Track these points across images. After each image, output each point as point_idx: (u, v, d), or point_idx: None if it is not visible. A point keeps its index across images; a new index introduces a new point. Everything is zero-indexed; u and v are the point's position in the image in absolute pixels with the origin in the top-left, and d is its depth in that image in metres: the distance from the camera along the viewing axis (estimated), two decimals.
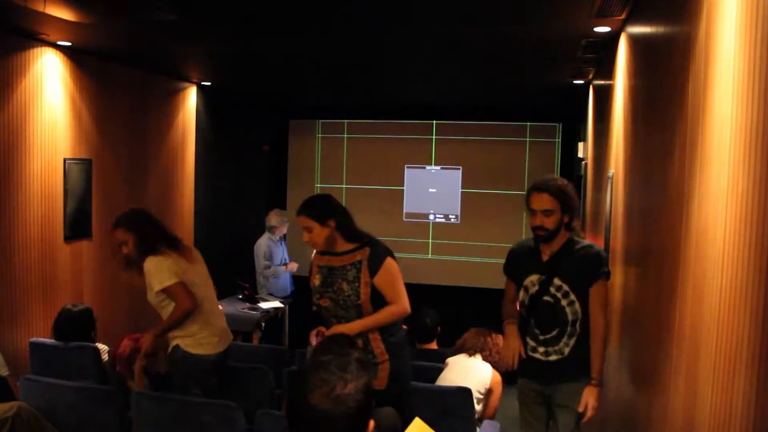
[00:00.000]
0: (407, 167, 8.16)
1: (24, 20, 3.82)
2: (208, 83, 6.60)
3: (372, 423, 1.34)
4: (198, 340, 3.44)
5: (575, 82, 5.64)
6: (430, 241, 8.15)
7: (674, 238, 1.92)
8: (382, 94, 7.58)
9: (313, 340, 3.18)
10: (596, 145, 4.93)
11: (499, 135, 7.85)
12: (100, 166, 5.06)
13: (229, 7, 3.65)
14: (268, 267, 6.36)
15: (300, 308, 6.24)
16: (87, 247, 4.96)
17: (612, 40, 3.81)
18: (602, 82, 4.67)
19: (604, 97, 4.36)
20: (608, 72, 4.15)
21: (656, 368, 2.13)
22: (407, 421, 2.42)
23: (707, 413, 1.47)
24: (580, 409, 2.83)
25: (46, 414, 3.25)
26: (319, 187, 8.33)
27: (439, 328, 4.54)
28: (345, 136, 8.33)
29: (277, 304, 6.13)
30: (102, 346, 4.04)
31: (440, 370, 3.88)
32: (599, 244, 3.79)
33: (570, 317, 2.86)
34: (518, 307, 3.06)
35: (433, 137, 8.08)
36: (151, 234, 3.44)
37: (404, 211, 8.18)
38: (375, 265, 3.06)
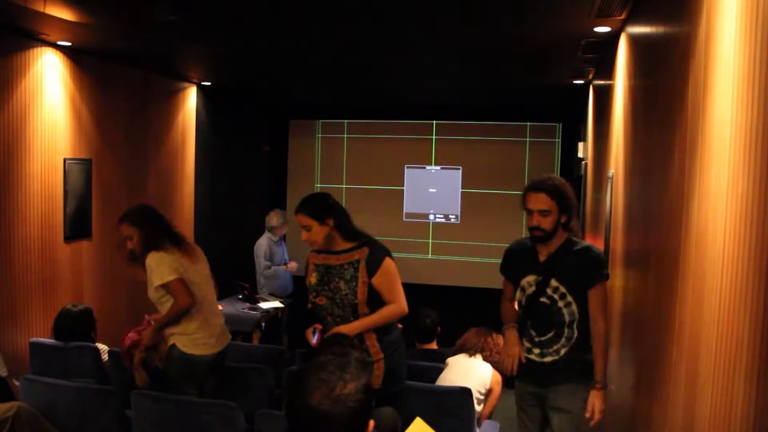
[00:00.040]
0: (407, 167, 8.16)
1: (24, 20, 3.82)
2: (208, 83, 6.60)
3: (372, 423, 1.34)
4: (194, 340, 3.44)
5: (575, 82, 5.64)
6: (430, 241, 8.15)
7: (674, 238, 1.92)
8: (382, 94, 7.58)
9: (311, 338, 3.18)
10: (596, 145, 4.93)
11: (499, 135, 7.86)
12: (100, 166, 5.06)
13: (229, 7, 3.65)
14: (269, 267, 6.36)
15: (300, 308, 6.24)
16: (87, 247, 4.96)
17: (612, 40, 3.81)
18: (602, 82, 4.67)
19: (604, 97, 4.36)
20: (608, 72, 4.15)
21: (656, 368, 2.13)
22: (405, 420, 2.42)
23: (707, 413, 1.47)
24: (588, 414, 2.80)
25: (46, 414, 3.25)
26: (319, 187, 8.33)
27: (439, 328, 4.54)
28: (345, 136, 8.33)
29: (277, 304, 6.13)
30: (102, 346, 4.04)
31: (440, 370, 3.88)
32: (599, 245, 3.79)
33: (567, 319, 2.83)
34: (516, 307, 3.05)
35: (433, 137, 8.08)
36: (156, 230, 3.45)
37: (404, 211, 8.18)
38: (373, 266, 3.06)
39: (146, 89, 5.75)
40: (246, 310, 5.82)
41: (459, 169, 8.03)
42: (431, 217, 8.14)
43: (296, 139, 8.48)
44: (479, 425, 3.64)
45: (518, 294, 2.96)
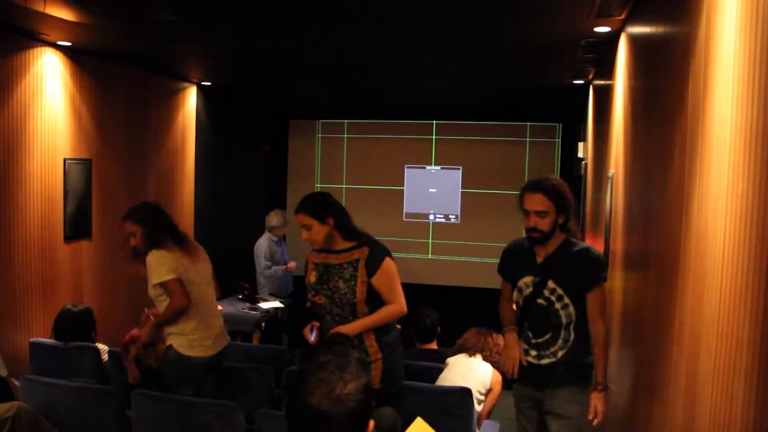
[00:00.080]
0: (407, 167, 8.16)
1: (24, 20, 3.82)
2: (208, 83, 6.60)
3: (372, 423, 1.34)
4: (191, 342, 3.44)
5: (575, 82, 5.64)
6: (430, 241, 8.15)
7: (674, 238, 1.92)
8: (382, 94, 7.58)
9: (309, 336, 3.19)
10: (596, 145, 4.93)
11: (499, 135, 7.86)
12: (100, 166, 5.06)
13: (229, 7, 3.65)
14: (269, 267, 6.36)
15: (300, 308, 6.24)
16: (87, 247, 4.96)
17: (612, 40, 3.81)
18: (602, 82, 4.67)
19: (604, 97, 4.36)
20: (608, 72, 4.15)
21: (656, 368, 2.13)
22: (405, 420, 2.42)
23: (707, 413, 1.47)
24: (590, 416, 2.79)
25: (46, 414, 3.25)
26: (319, 187, 8.34)
27: (439, 328, 4.53)
28: (345, 136, 8.33)
29: (277, 304, 6.13)
30: (102, 346, 4.04)
31: (440, 370, 3.88)
32: (599, 245, 3.79)
33: (564, 321, 2.79)
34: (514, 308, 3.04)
35: (433, 137, 8.08)
36: (159, 228, 3.46)
37: (404, 211, 8.19)
38: (373, 266, 3.06)
39: (146, 89, 5.75)
40: (246, 310, 5.82)
41: (459, 169, 8.03)
42: (431, 217, 8.14)
43: (296, 139, 8.48)
44: (479, 425, 3.64)
45: (515, 295, 2.92)
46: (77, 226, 4.80)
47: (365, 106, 8.20)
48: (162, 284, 3.36)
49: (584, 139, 5.96)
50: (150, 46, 4.80)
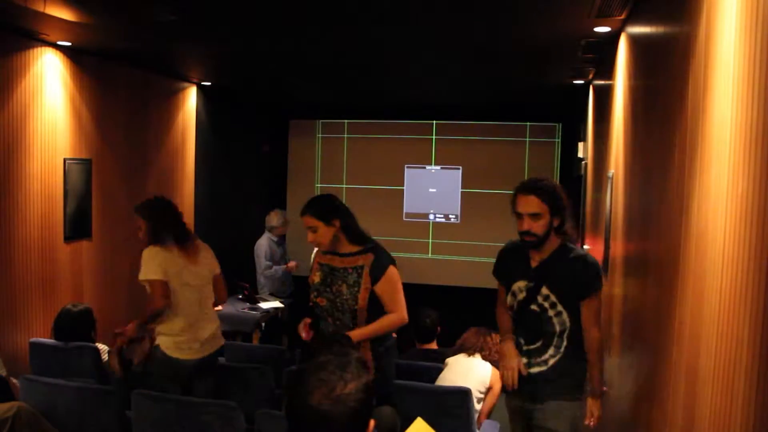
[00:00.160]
0: (407, 167, 8.17)
1: (24, 20, 3.82)
2: (208, 83, 6.61)
3: (372, 422, 1.34)
4: (178, 343, 3.44)
5: (575, 82, 5.64)
6: (430, 240, 8.15)
7: (674, 238, 1.92)
8: (382, 94, 7.58)
9: (303, 333, 3.19)
10: (596, 145, 4.93)
11: (499, 135, 7.86)
12: (100, 166, 5.06)
13: (229, 7, 3.65)
14: (270, 267, 6.36)
15: (300, 308, 6.24)
16: (87, 247, 4.96)
17: (612, 40, 3.81)
18: (602, 82, 4.67)
19: (604, 97, 4.36)
20: (608, 72, 4.15)
21: (656, 368, 2.13)
22: (405, 420, 2.42)
23: (707, 413, 1.47)
24: (586, 422, 2.76)
25: (46, 414, 3.25)
26: (319, 187, 8.34)
27: (439, 328, 4.54)
28: (345, 136, 8.33)
29: (277, 304, 6.13)
30: (102, 346, 4.04)
31: (440, 370, 3.88)
32: (599, 245, 3.79)
33: (557, 329, 2.71)
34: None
35: (433, 137, 8.08)
36: (162, 225, 3.46)
37: (404, 211, 8.19)
38: (377, 273, 3.07)
39: (146, 89, 5.75)
40: (246, 310, 5.82)
41: (459, 169, 8.03)
42: (431, 216, 8.14)
43: (296, 139, 8.48)
44: (479, 424, 3.64)
45: (509, 299, 2.83)
46: (77, 226, 4.80)
47: (365, 106, 8.20)
48: (146, 282, 3.38)
49: (584, 139, 5.96)
50: (150, 46, 4.80)
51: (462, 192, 8.03)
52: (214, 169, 6.98)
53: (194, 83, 6.51)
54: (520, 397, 2.81)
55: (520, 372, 2.75)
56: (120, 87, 5.33)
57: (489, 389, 3.76)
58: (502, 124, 7.86)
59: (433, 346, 4.54)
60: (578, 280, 2.69)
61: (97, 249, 5.05)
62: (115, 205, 5.23)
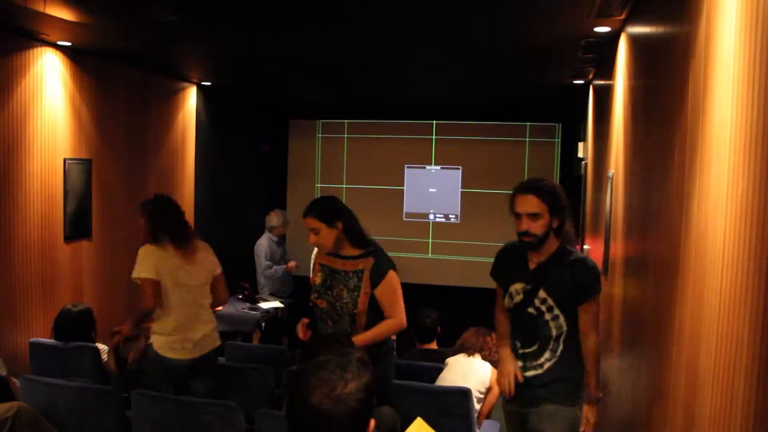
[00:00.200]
0: (407, 167, 8.17)
1: (24, 20, 3.82)
2: (208, 83, 6.61)
3: (373, 422, 1.34)
4: (169, 343, 3.44)
5: (575, 82, 5.64)
6: (430, 240, 8.15)
7: (674, 239, 1.92)
8: (382, 94, 7.58)
9: (301, 333, 3.19)
10: (596, 145, 4.93)
11: (499, 135, 7.86)
12: (100, 166, 5.06)
13: (229, 7, 3.65)
14: (270, 267, 6.36)
15: (300, 308, 6.24)
16: (87, 247, 4.96)
17: (612, 40, 3.81)
18: (602, 82, 4.67)
19: (604, 97, 4.36)
20: (608, 72, 4.15)
21: (656, 368, 2.13)
22: (405, 420, 2.42)
23: (707, 413, 1.47)
24: (582, 428, 2.71)
25: (46, 414, 3.25)
26: (319, 187, 8.34)
27: (439, 328, 4.54)
28: (345, 136, 8.34)
29: (277, 304, 6.13)
30: (102, 346, 4.04)
31: (440, 370, 3.88)
32: (599, 245, 3.79)
33: (554, 333, 2.66)
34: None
35: (433, 137, 8.08)
36: (162, 224, 3.45)
37: (404, 211, 8.19)
38: (377, 276, 3.07)
39: (146, 89, 5.75)
40: (246, 310, 5.82)
41: (459, 169, 8.03)
42: (431, 216, 8.14)
43: (296, 139, 8.49)
44: (479, 424, 3.64)
45: (506, 300, 2.78)
46: (77, 226, 4.80)
47: (365, 106, 8.20)
48: (138, 280, 3.39)
49: (584, 139, 5.96)
50: (150, 46, 4.81)
51: (462, 192, 8.04)
52: (214, 169, 6.98)
53: (194, 83, 6.51)
54: (515, 400, 2.76)
55: (516, 378, 2.71)
56: (120, 87, 5.34)
57: (489, 389, 3.76)
58: (502, 124, 7.86)
59: (433, 346, 4.54)
60: (576, 284, 2.63)
61: (97, 249, 5.05)
62: (115, 205, 5.23)
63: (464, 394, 3.42)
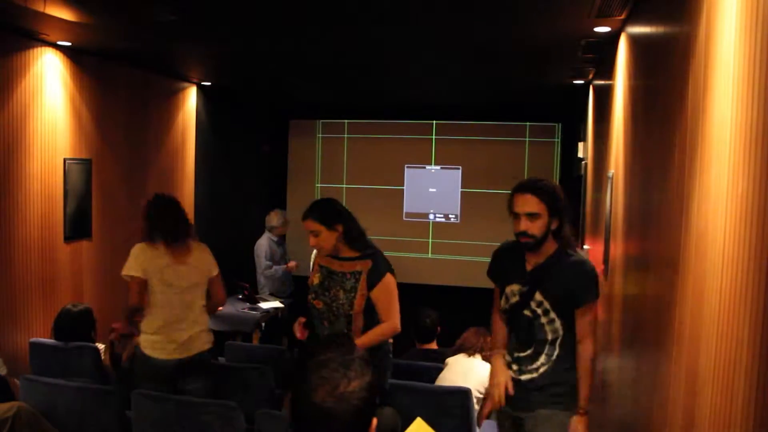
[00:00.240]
0: (407, 167, 8.17)
1: (24, 20, 3.82)
2: (208, 83, 6.61)
3: (375, 421, 1.34)
4: (152, 343, 3.43)
5: (575, 82, 5.64)
6: (430, 240, 8.15)
7: (674, 239, 1.92)
8: (382, 94, 7.58)
9: (298, 332, 3.19)
10: (596, 145, 4.93)
11: (499, 135, 7.87)
12: (100, 166, 5.06)
13: (229, 7, 3.65)
14: (270, 267, 6.36)
15: (300, 308, 6.24)
16: (87, 247, 4.96)
17: (612, 40, 3.81)
18: (602, 82, 4.67)
19: (604, 97, 4.36)
20: (608, 72, 4.15)
21: (656, 368, 2.13)
22: (405, 420, 2.42)
23: (707, 413, 1.47)
24: None
25: (46, 414, 3.25)
26: (319, 187, 8.34)
27: (439, 328, 4.54)
28: (345, 136, 8.34)
29: (277, 304, 6.13)
30: (102, 346, 4.04)
31: (440, 370, 3.88)
32: (599, 245, 3.79)
33: (549, 336, 2.60)
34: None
35: (433, 137, 8.08)
36: (158, 224, 3.46)
37: (404, 210, 8.19)
38: (374, 278, 3.07)
39: (146, 89, 5.75)
40: (246, 310, 5.82)
41: (459, 168, 8.03)
42: (431, 216, 8.14)
43: (296, 139, 8.49)
44: (479, 424, 3.64)
45: (502, 301, 2.72)
46: (77, 226, 4.80)
47: (365, 106, 8.20)
48: (127, 277, 3.42)
49: (584, 139, 5.96)
50: (150, 46, 4.81)
51: (462, 192, 8.04)
52: (214, 169, 6.98)
53: (194, 83, 6.51)
54: (509, 406, 2.70)
55: (507, 388, 2.65)
56: (120, 87, 5.34)
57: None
58: (502, 124, 7.86)
59: (433, 346, 4.54)
60: (574, 288, 2.58)
61: (97, 249, 5.05)
62: (115, 205, 5.23)
63: (464, 394, 3.43)
